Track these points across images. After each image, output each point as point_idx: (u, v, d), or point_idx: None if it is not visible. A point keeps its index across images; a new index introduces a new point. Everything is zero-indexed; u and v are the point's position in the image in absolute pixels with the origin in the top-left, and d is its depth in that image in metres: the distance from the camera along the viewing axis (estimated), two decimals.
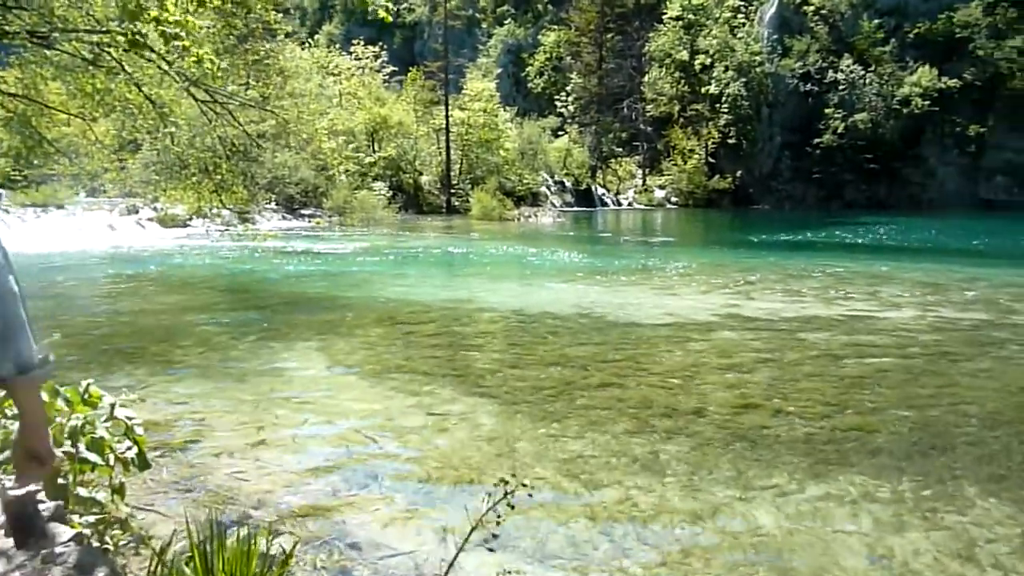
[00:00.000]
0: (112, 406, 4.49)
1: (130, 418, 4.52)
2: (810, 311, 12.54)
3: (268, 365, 9.00)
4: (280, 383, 8.23)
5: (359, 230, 33.95)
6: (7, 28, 7.45)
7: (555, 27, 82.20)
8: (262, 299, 14.25)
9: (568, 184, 59.64)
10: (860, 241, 29.63)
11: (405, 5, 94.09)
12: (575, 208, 56.01)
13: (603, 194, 62.34)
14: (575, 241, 31.68)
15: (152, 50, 7.94)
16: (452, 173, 50.74)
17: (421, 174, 51.10)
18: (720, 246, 29.38)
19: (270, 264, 20.64)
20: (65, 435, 4.19)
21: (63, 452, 3.99)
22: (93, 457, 4.13)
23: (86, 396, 4.43)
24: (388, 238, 30.46)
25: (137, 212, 29.46)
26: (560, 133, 66.51)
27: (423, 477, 5.66)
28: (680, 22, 66.84)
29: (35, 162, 11.92)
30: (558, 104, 69.86)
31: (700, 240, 35.39)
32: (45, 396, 4.18)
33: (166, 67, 8.49)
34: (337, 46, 61.70)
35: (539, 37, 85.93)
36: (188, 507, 4.73)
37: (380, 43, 58.81)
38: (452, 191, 50.04)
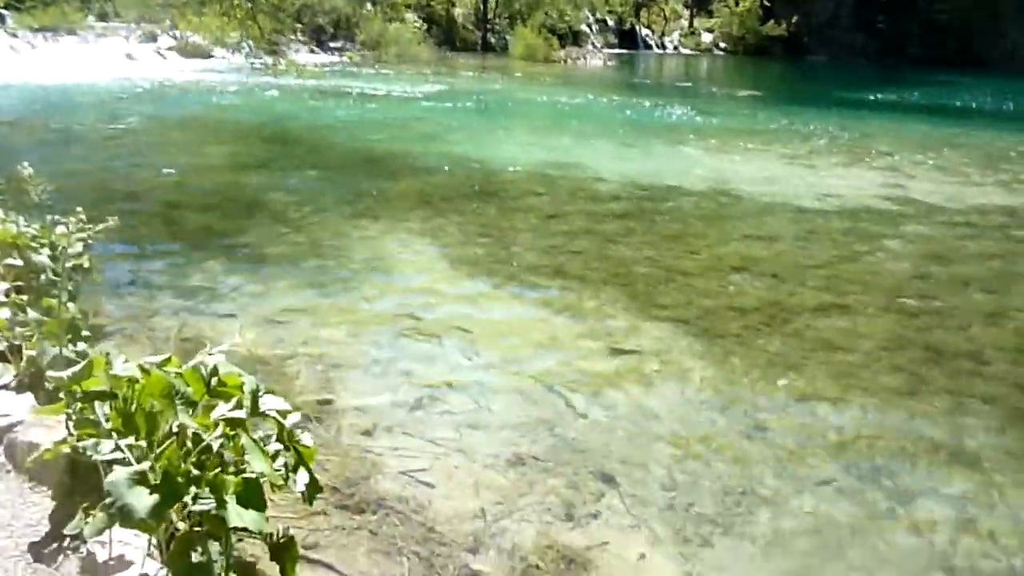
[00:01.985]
0: (253, 393, 2.66)
1: (282, 412, 2.71)
2: (997, 197, 10.41)
3: (373, 258, 7.11)
4: (401, 291, 6.37)
5: (396, 67, 30.83)
6: None
7: None
8: (324, 155, 12.10)
9: (611, 23, 54.76)
10: (973, 105, 26.40)
11: None
12: (617, 50, 51.65)
13: (647, 35, 57.42)
14: (650, 91, 28.24)
15: None
16: (487, 5, 46.20)
17: (453, 4, 46.56)
18: (817, 104, 25.75)
19: (315, 107, 18.21)
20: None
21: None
22: (250, 521, 2.34)
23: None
24: (435, 78, 27.47)
25: (155, 40, 26.48)
26: None
27: (667, 482, 3.91)
28: None
29: None
30: None
31: (790, 95, 31.50)
32: None
33: None
34: None
35: None
36: (378, 557, 3.02)
37: None
38: (488, 26, 45.80)
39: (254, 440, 2.47)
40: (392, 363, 5.02)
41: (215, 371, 2.65)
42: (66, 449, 2.75)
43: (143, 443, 2.50)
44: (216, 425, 2.52)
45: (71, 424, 2.87)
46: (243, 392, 2.64)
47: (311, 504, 2.72)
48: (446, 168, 11.14)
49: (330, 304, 6.01)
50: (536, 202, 9.11)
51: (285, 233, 7.77)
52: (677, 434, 4.37)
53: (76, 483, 2.91)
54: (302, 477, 2.64)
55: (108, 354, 2.87)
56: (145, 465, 2.30)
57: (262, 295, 6.15)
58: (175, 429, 2.59)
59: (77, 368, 2.85)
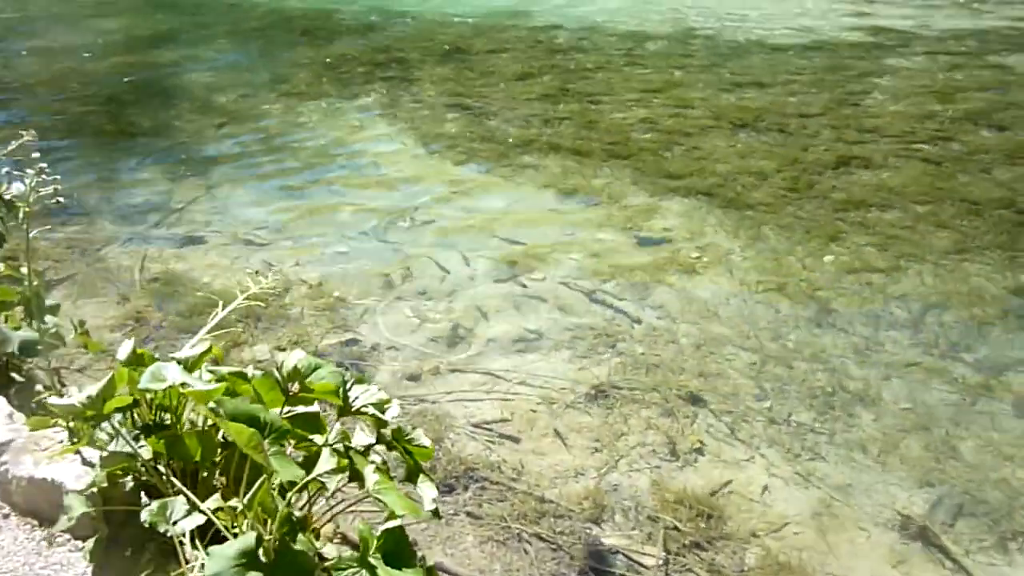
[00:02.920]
0: (344, 388, 2.08)
1: (380, 406, 2.15)
2: (964, 21, 10.01)
3: (336, 149, 6.23)
4: (382, 187, 5.62)
5: None
6: None
7: None
8: (236, 21, 10.50)
9: None
10: None
11: None
12: None
13: None
14: None
15: None
16: None
17: None
18: None
19: None
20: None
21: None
22: None
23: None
24: None
25: None
26: None
27: (756, 392, 3.57)
28: None
29: None
30: None
31: None
32: None
33: None
34: None
35: None
36: (493, 548, 2.58)
37: None
38: None
39: (381, 469, 1.89)
40: (405, 283, 4.40)
41: (297, 373, 2.02)
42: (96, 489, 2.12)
43: (221, 499, 1.90)
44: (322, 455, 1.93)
45: (79, 444, 2.21)
46: (337, 396, 2.04)
47: (440, 518, 2.20)
48: (384, 26, 9.85)
49: (307, 214, 5.22)
50: (498, 61, 8.16)
51: (221, 125, 6.70)
52: (743, 333, 4.00)
53: (115, 529, 2.30)
54: (427, 490, 2.10)
55: (133, 366, 2.18)
56: (250, 538, 1.72)
57: (222, 210, 5.28)
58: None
59: (94, 389, 2.16)
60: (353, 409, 2.09)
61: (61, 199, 2.21)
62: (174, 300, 4.08)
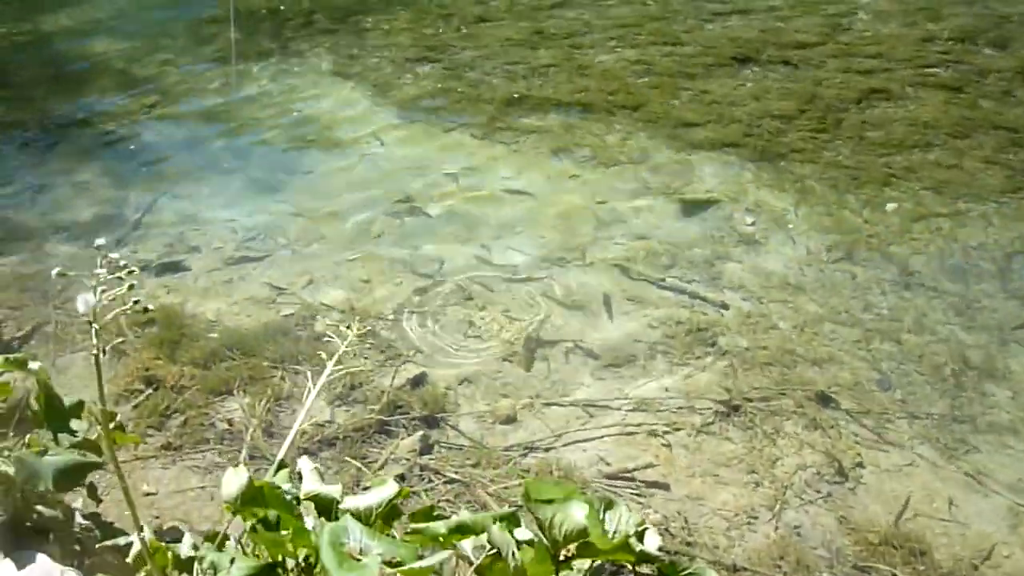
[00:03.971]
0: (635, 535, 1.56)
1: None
2: None
3: (299, 123, 5.40)
4: (364, 162, 4.90)
5: None
6: None
7: None
8: None
9: None
10: None
11: None
12: None
13: None
14: None
15: None
16: None
17: None
18: None
19: None
20: None
21: None
22: None
23: None
24: None
25: None
26: None
27: (880, 379, 3.26)
28: None
29: None
30: None
31: None
32: None
33: None
34: None
35: None
36: None
37: None
38: None
39: None
40: (439, 288, 3.81)
41: (571, 535, 1.47)
42: None
43: None
44: None
45: None
46: (631, 549, 1.49)
47: None
48: None
49: (294, 214, 4.47)
50: (451, 2, 7.30)
51: (153, 105, 5.69)
52: (833, 307, 3.66)
53: None
54: None
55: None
56: None
57: (191, 217, 4.45)
58: None
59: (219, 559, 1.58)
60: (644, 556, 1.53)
61: (150, 307, 1.55)
62: (184, 347, 3.34)
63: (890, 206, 4.35)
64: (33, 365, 2.15)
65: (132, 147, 5.18)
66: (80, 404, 2.26)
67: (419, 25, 6.83)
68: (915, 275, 3.86)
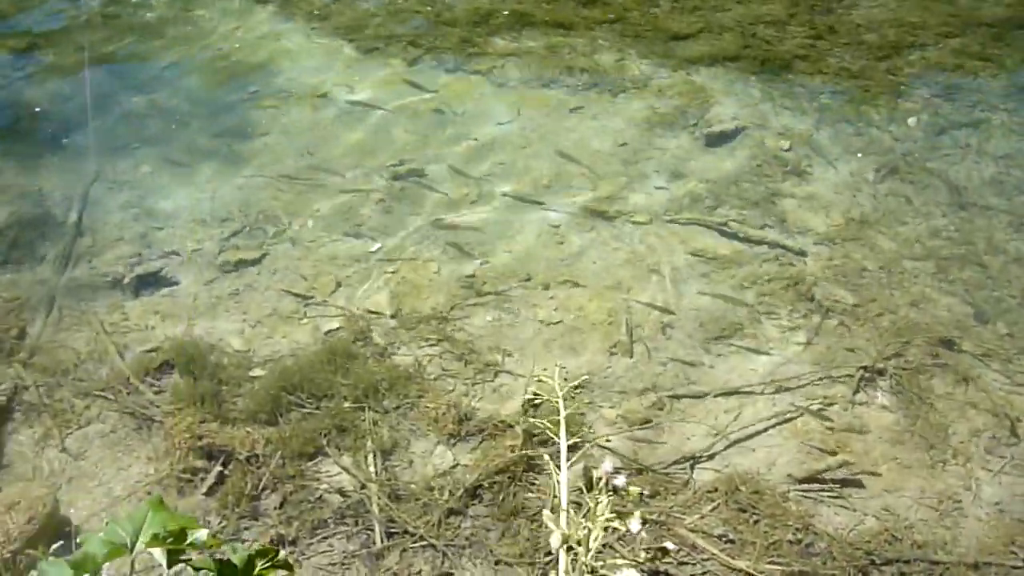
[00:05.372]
0: None
1: None
2: None
3: (287, 86, 4.44)
4: (366, 137, 4.13)
5: None
6: None
7: None
8: None
9: None
10: None
11: None
12: None
13: None
14: None
15: None
16: None
17: None
18: None
19: None
20: None
21: None
22: None
23: None
24: None
25: None
26: None
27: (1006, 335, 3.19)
28: None
29: None
30: None
31: None
32: None
33: None
34: None
35: None
36: None
37: None
38: None
39: None
40: (485, 271, 3.30)
41: None
42: None
43: None
44: None
45: None
46: None
47: None
48: None
49: (279, 191, 3.69)
50: None
51: (27, 53, 4.45)
52: (903, 237, 3.51)
53: None
54: None
55: None
56: None
57: (149, 208, 3.56)
58: None
59: None
60: None
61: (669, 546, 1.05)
62: (229, 398, 2.65)
63: (911, 120, 4.22)
64: (199, 534, 1.52)
65: (38, 117, 4.04)
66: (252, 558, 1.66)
67: None
68: (962, 193, 3.79)
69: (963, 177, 3.87)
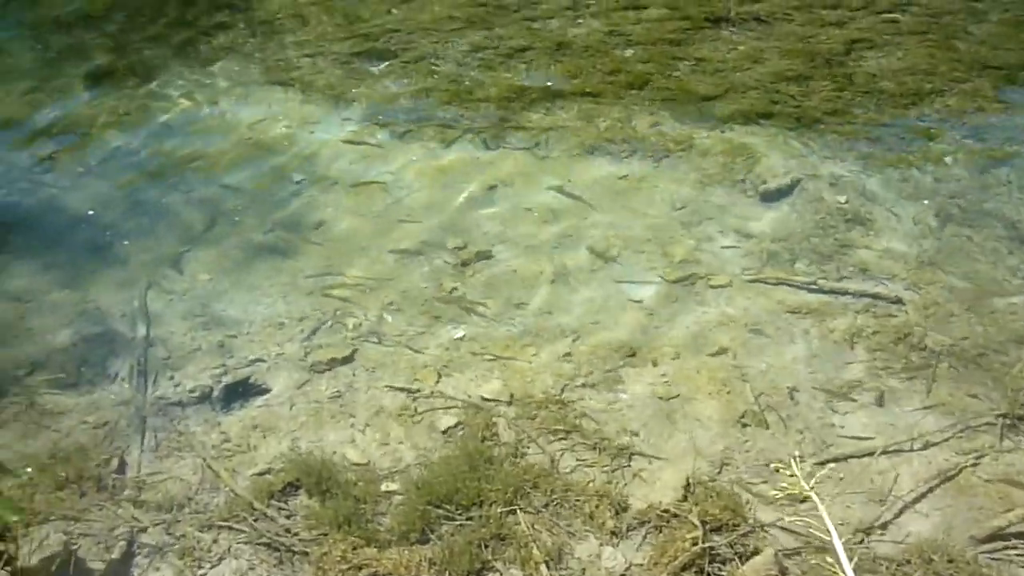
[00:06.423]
0: None
1: None
2: None
3: (313, 171, 4.31)
4: (416, 223, 4.02)
5: None
6: None
7: None
8: None
9: None
10: None
11: None
12: None
13: None
14: None
15: None
16: None
17: None
18: None
19: None
20: None
21: None
22: None
23: None
24: None
25: None
26: None
27: None
28: None
29: None
30: None
31: None
32: None
33: None
34: None
35: None
36: None
37: None
38: None
39: None
40: (577, 350, 3.20)
41: None
42: None
43: None
44: None
45: None
46: None
47: None
48: None
49: (339, 284, 3.54)
50: None
51: (52, 159, 4.23)
52: (990, 277, 3.55)
53: None
54: None
55: None
56: None
57: (210, 314, 3.35)
58: None
59: None
60: None
61: None
62: (371, 517, 2.44)
63: (948, 159, 4.35)
64: None
65: (62, 219, 3.81)
66: None
67: (333, 12, 5.72)
68: (1018, 227, 3.88)
69: (1012, 212, 3.97)
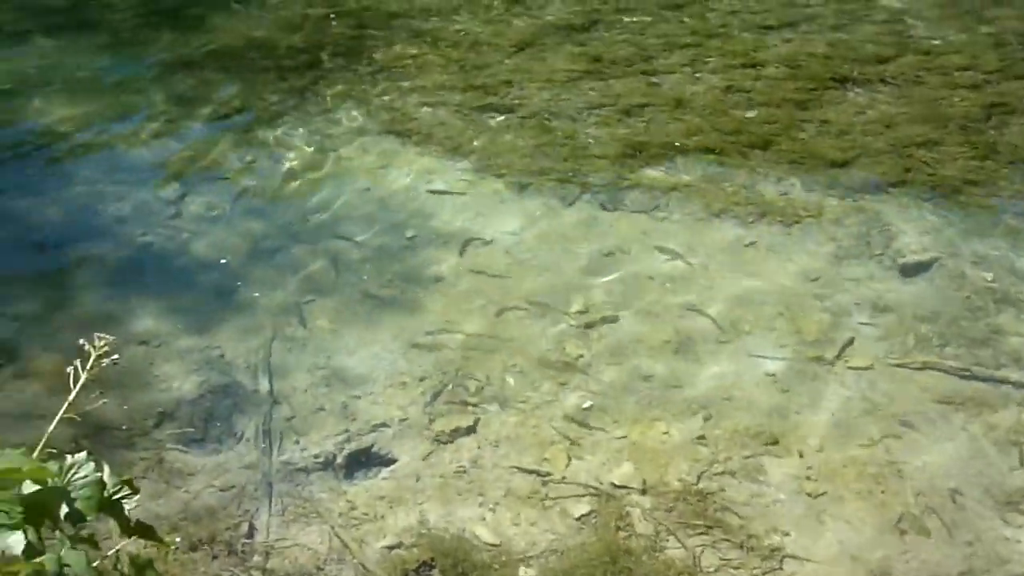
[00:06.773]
0: None
1: None
2: None
3: (437, 229, 4.30)
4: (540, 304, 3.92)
5: None
6: None
7: None
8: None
9: None
10: None
11: None
12: None
13: None
14: None
15: None
16: None
17: None
18: None
19: None
20: None
21: None
22: None
23: None
24: None
25: None
26: None
27: None
28: None
29: None
30: None
31: None
32: None
33: None
34: None
35: None
36: None
37: None
38: None
39: None
40: (712, 432, 3.01)
41: None
42: None
43: None
44: None
45: None
46: None
47: None
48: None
49: (448, 336, 3.44)
50: (458, 27, 6.23)
51: (180, 202, 4.33)
52: None
53: None
54: None
55: None
56: None
57: (331, 368, 3.31)
58: None
59: None
60: None
61: None
62: None
63: None
64: None
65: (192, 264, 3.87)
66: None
67: (448, 59, 5.76)
68: None
69: None
